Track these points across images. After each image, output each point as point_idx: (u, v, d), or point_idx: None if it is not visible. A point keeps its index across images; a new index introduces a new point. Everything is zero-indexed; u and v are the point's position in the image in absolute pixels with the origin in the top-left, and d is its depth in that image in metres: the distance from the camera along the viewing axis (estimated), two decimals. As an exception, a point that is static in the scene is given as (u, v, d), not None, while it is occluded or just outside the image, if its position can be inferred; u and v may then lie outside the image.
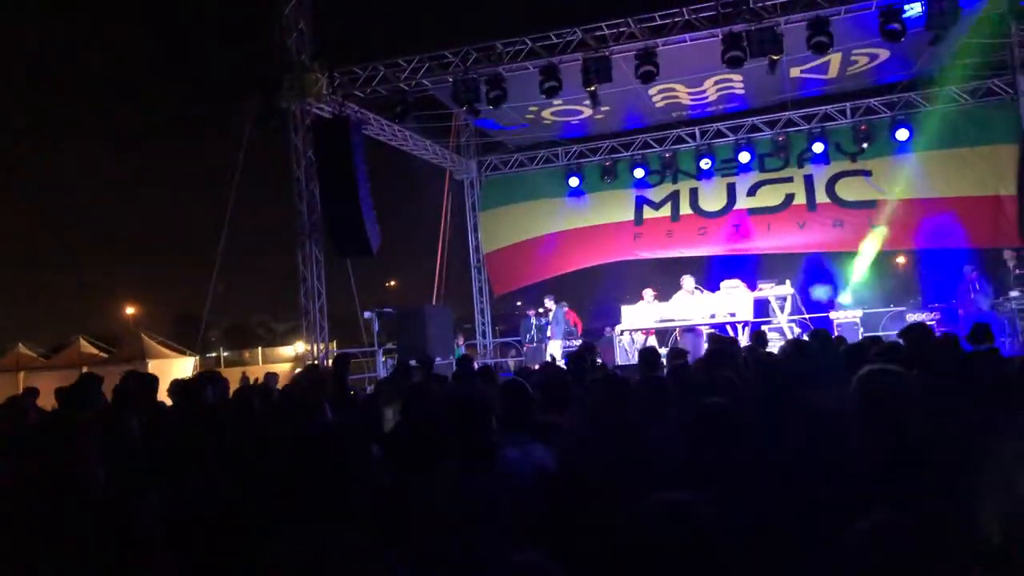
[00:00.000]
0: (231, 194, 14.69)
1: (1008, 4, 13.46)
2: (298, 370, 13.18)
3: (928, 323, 12.09)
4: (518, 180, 19.25)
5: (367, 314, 15.87)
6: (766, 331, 11.76)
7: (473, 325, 19.52)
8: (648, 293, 15.59)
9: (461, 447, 3.34)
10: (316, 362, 13.79)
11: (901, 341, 5.74)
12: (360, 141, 14.55)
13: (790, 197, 17.07)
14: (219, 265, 14.83)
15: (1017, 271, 13.81)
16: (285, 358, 27.26)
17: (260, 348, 30.15)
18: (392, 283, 39.73)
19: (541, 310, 16.92)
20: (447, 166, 18.86)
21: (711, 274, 16.36)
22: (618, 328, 15.54)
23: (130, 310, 39.96)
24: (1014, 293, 13.89)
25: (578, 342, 16.11)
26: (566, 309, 16.69)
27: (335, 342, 17.18)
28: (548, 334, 16.55)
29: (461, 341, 17.61)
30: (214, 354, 27.27)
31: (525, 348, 16.39)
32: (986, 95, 16.09)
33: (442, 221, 18.51)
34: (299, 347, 31.21)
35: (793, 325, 14.94)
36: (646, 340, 15.17)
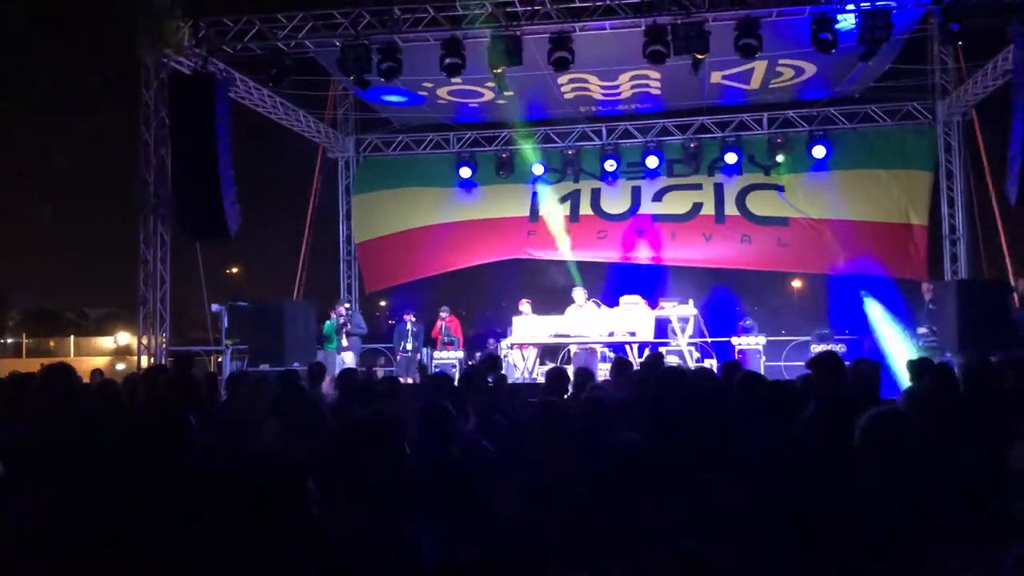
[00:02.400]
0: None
1: (938, 26, 12.88)
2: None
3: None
4: (401, 164, 17.13)
5: (215, 307, 13.64)
6: (664, 353, 10.82)
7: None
8: (525, 305, 14.38)
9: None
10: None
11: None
12: (225, 105, 12.48)
13: (698, 206, 15.96)
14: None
15: (931, 306, 13.09)
16: (103, 350, 24.48)
17: (72, 337, 26.97)
18: (235, 270, 36.29)
19: (413, 316, 15.02)
20: (320, 141, 16.64)
21: (608, 289, 15.11)
22: (506, 342, 14.08)
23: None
24: (922, 330, 13.24)
25: (459, 354, 14.59)
26: (447, 316, 15.01)
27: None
28: (344, 342, 14.43)
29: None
30: (11, 340, 24.18)
31: (399, 357, 14.64)
32: (905, 118, 15.61)
33: (310, 204, 16.39)
34: (121, 338, 28.18)
35: (693, 349, 13.90)
36: (537, 356, 13.80)
